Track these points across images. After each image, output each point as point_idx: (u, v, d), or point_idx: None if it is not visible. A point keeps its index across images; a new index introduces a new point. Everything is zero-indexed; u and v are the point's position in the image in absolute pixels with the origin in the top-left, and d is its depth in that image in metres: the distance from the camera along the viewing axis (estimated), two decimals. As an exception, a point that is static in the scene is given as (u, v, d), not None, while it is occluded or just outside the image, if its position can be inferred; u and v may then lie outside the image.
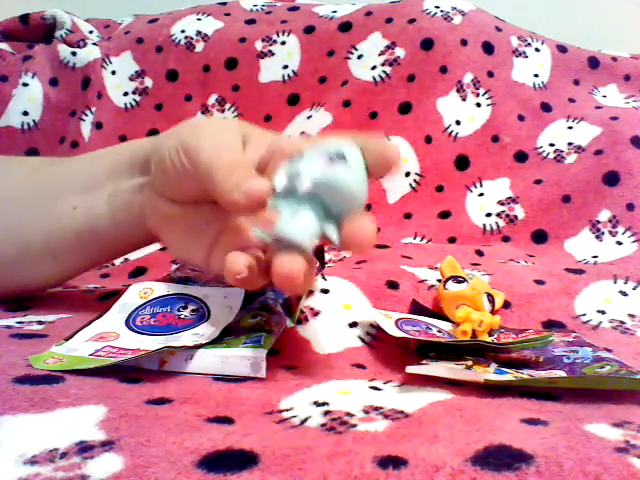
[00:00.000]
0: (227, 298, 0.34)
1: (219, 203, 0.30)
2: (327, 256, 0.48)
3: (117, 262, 0.58)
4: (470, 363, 0.31)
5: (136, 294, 0.35)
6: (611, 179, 0.58)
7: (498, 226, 0.60)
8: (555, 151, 0.64)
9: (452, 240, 0.60)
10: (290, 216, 0.27)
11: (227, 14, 0.78)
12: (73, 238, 0.39)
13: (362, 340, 0.35)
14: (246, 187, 0.28)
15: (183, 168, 0.32)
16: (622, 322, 0.40)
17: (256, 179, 0.28)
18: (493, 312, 0.38)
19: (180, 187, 0.34)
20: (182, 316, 0.33)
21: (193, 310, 0.33)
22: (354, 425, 0.23)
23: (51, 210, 0.39)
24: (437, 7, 0.71)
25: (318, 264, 0.42)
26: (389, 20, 0.72)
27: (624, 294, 0.43)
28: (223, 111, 0.73)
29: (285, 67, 0.73)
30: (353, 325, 0.36)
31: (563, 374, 0.30)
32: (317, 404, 0.25)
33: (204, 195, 0.32)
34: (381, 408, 0.25)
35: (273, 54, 0.73)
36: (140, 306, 0.34)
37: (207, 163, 0.31)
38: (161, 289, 0.35)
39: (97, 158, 0.41)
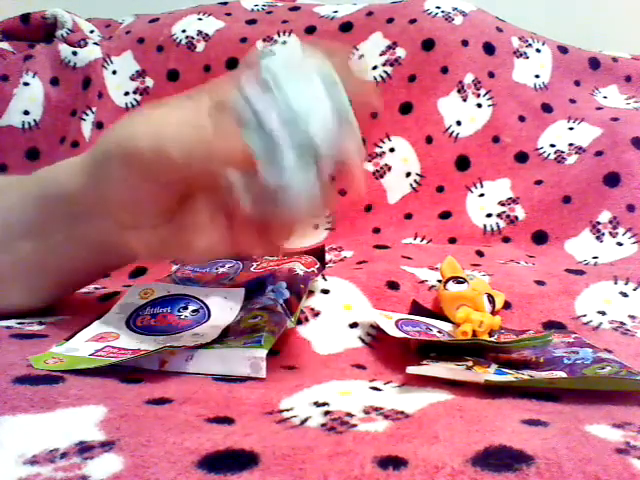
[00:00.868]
0: (227, 299, 0.34)
1: (212, 176, 0.28)
2: (327, 256, 0.48)
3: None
4: (470, 364, 0.31)
5: (136, 295, 0.35)
6: (612, 180, 0.58)
7: (498, 227, 0.60)
8: (556, 152, 0.64)
9: (452, 241, 0.60)
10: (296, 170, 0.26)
11: (228, 14, 0.78)
12: (51, 272, 0.36)
13: (362, 340, 0.35)
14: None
15: (156, 172, 0.30)
16: (622, 323, 0.40)
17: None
18: (493, 313, 0.38)
19: (152, 198, 0.31)
20: (182, 316, 0.33)
21: (193, 311, 0.33)
22: (354, 425, 0.23)
23: (12, 252, 0.36)
24: (438, 7, 0.71)
25: (319, 265, 0.42)
26: (390, 20, 0.71)
27: (624, 295, 0.43)
28: (224, 111, 0.73)
29: (286, 67, 0.72)
30: (353, 325, 0.36)
31: (563, 375, 0.30)
32: (317, 404, 0.25)
33: (181, 186, 0.30)
34: (381, 408, 0.25)
35: (274, 54, 0.73)
36: (140, 307, 0.34)
37: (183, 149, 0.28)
38: (161, 290, 0.35)
39: (32, 201, 0.36)
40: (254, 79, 0.26)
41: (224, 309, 0.33)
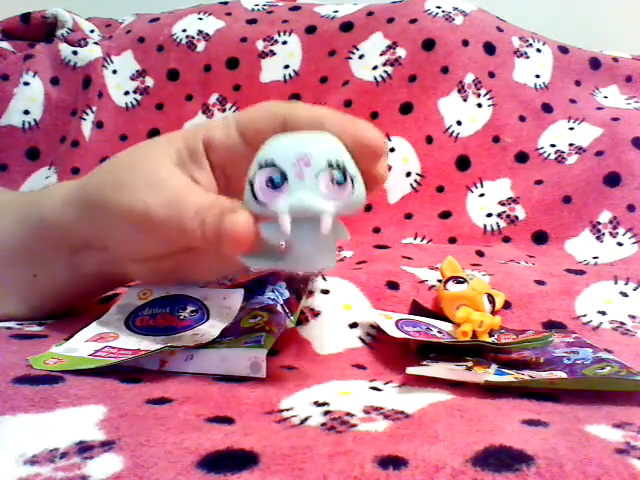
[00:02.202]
0: (226, 299, 0.34)
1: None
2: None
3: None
4: (470, 364, 0.31)
5: (135, 295, 0.35)
6: (612, 180, 0.58)
7: (499, 226, 0.60)
8: (556, 152, 0.64)
9: (452, 240, 0.60)
10: (304, 243, 0.25)
11: (228, 14, 0.78)
12: (48, 294, 0.36)
13: (362, 341, 0.35)
14: (229, 226, 0.25)
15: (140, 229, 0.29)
16: (622, 323, 0.40)
17: (235, 214, 0.26)
18: (493, 313, 0.38)
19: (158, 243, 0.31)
20: (181, 317, 0.33)
21: (192, 311, 0.33)
22: (354, 425, 0.23)
23: (4, 274, 0.35)
24: (438, 7, 0.71)
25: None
26: (390, 20, 0.71)
27: (624, 295, 0.43)
28: (224, 110, 0.73)
29: (286, 67, 0.73)
30: (353, 326, 0.36)
31: (563, 375, 0.30)
32: (317, 404, 0.25)
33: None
34: (381, 408, 0.25)
35: (274, 54, 0.73)
36: (139, 307, 0.34)
37: (161, 215, 0.28)
38: (160, 290, 0.35)
39: (26, 226, 0.35)
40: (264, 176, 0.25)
41: (223, 310, 0.33)
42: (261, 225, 0.26)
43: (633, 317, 0.41)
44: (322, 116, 0.27)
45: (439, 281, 0.42)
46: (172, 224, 0.28)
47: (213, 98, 0.73)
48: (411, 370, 0.28)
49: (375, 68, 0.69)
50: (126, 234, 0.30)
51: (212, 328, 0.32)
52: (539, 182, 0.62)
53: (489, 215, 0.61)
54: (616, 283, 0.44)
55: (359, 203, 0.26)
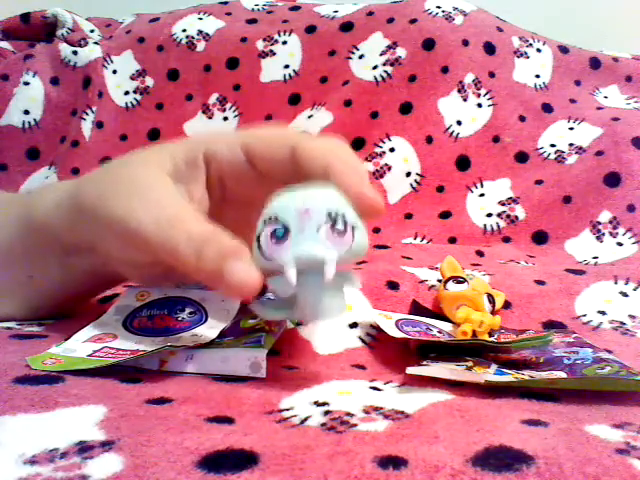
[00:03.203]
0: (224, 302, 0.34)
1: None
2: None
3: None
4: (470, 364, 0.31)
5: (133, 297, 0.35)
6: (612, 180, 0.58)
7: (499, 226, 0.60)
8: (556, 152, 0.64)
9: (452, 240, 0.60)
10: (314, 298, 0.26)
11: (228, 13, 0.78)
12: (45, 295, 0.35)
13: (362, 341, 0.35)
14: (236, 277, 0.25)
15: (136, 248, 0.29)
16: (622, 323, 0.40)
17: (242, 264, 0.26)
18: (493, 312, 0.38)
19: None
20: (180, 318, 0.33)
21: (190, 313, 0.33)
22: (354, 425, 0.23)
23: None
24: (438, 7, 0.71)
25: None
26: (390, 20, 0.71)
27: (625, 295, 0.43)
28: (224, 110, 0.73)
29: (286, 67, 0.73)
30: (353, 326, 0.36)
31: (563, 375, 0.30)
32: (317, 404, 0.25)
33: None
34: (381, 408, 0.25)
35: (274, 54, 0.73)
36: (137, 309, 0.34)
37: (150, 232, 0.27)
38: (158, 292, 0.35)
39: (19, 226, 0.34)
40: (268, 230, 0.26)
41: (221, 311, 0.33)
42: (269, 279, 0.26)
43: (633, 317, 0.41)
44: (329, 160, 0.27)
45: (439, 281, 0.42)
46: (161, 244, 0.27)
47: (213, 98, 0.73)
48: (411, 370, 0.28)
49: (375, 68, 0.69)
50: (116, 242, 0.30)
51: (210, 329, 0.32)
52: (539, 182, 0.62)
53: (489, 215, 0.61)
54: (616, 283, 0.44)
55: (361, 250, 0.26)
